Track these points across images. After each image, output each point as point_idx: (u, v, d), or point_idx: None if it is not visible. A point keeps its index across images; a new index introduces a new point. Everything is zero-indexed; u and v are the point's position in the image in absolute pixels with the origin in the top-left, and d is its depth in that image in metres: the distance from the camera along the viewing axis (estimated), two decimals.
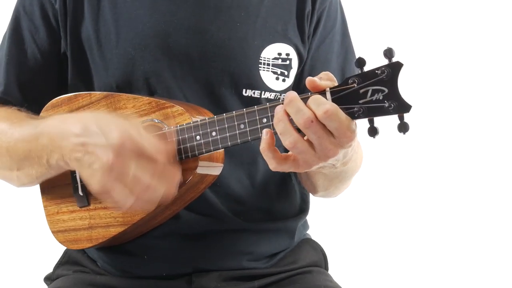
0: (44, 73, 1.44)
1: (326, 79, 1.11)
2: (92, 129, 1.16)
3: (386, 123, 2.57)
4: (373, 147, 2.64)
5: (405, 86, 1.06)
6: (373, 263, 2.71)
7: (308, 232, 1.58)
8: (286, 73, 1.39)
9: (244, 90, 1.37)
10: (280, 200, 1.45)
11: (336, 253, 1.79)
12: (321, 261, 1.53)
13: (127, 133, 1.14)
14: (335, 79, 1.12)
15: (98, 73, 1.39)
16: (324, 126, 1.07)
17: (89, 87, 1.41)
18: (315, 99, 1.08)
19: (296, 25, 1.41)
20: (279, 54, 1.39)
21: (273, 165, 1.13)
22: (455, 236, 2.74)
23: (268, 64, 1.38)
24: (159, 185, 1.15)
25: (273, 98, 1.38)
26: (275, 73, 1.38)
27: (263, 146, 1.13)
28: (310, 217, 1.59)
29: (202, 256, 1.39)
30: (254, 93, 1.37)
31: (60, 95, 1.39)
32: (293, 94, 1.09)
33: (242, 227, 1.40)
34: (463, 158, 2.79)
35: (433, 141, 2.79)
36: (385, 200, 2.78)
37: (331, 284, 1.43)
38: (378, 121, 1.09)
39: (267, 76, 1.38)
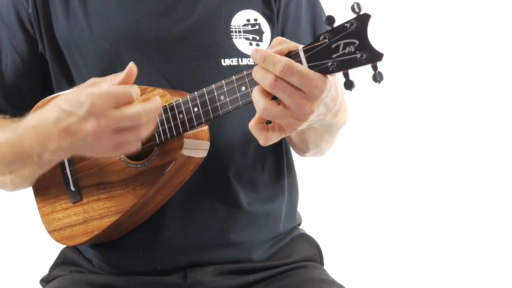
0: (27, 78, 1.47)
1: (277, 45, 1.12)
2: (64, 111, 1.18)
3: (388, 128, 2.57)
4: (368, 142, 2.67)
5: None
6: (368, 258, 2.71)
7: (302, 227, 1.58)
8: (257, 37, 1.42)
9: (222, 60, 1.39)
10: (264, 172, 1.46)
11: (331, 248, 1.79)
12: (316, 256, 1.53)
13: (90, 92, 1.16)
14: (284, 39, 1.13)
15: (79, 72, 1.43)
16: (289, 83, 1.09)
17: (73, 86, 1.43)
18: (269, 60, 1.08)
19: None
20: (248, 20, 1.42)
21: (262, 140, 1.15)
22: (450, 231, 2.74)
23: (239, 31, 1.41)
24: (147, 106, 1.17)
25: (252, 63, 1.40)
26: (247, 39, 1.41)
27: (251, 124, 1.14)
28: (304, 212, 1.59)
29: (197, 248, 1.39)
30: (232, 61, 1.40)
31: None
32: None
33: (231, 214, 1.41)
34: (459, 148, 2.80)
35: (428, 136, 2.80)
36: (379, 196, 2.78)
37: (326, 278, 1.43)
38: (354, 75, 1.12)
39: (240, 43, 1.41)
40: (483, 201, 2.76)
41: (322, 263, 1.55)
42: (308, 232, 1.58)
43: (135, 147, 1.19)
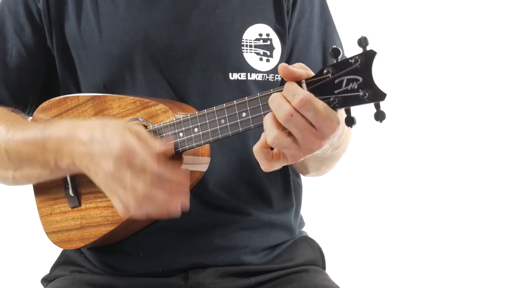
0: (30, 72, 1.46)
1: (299, 68, 1.10)
2: (97, 138, 1.21)
3: (389, 127, 2.59)
4: (370, 147, 2.66)
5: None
6: (370, 262, 2.70)
7: (305, 230, 1.57)
8: (268, 53, 1.40)
9: (230, 74, 1.38)
10: (270, 182, 1.45)
11: (333, 251, 1.79)
12: (318, 259, 1.53)
13: (127, 143, 1.18)
14: (308, 68, 1.11)
15: (86, 73, 1.41)
16: (304, 118, 1.07)
17: (78, 86, 1.43)
18: (289, 90, 1.08)
19: (273, 4, 1.42)
20: (260, 34, 1.40)
21: (265, 166, 1.14)
22: (452, 234, 2.73)
23: (251, 46, 1.39)
24: (157, 193, 1.18)
25: (260, 79, 1.39)
26: (258, 54, 1.39)
27: (256, 148, 1.13)
28: (306, 215, 1.59)
29: (198, 250, 1.39)
30: (240, 75, 1.38)
31: (51, 94, 1.42)
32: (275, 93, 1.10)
33: (235, 219, 1.41)
34: (460, 151, 2.78)
35: (428, 138, 2.79)
36: (382, 199, 2.77)
37: (328, 283, 1.43)
38: (356, 110, 1.09)
39: (251, 58, 1.39)
40: (485, 208, 2.74)
41: (324, 267, 1.54)
42: (310, 235, 1.57)
43: (127, 210, 1.20)
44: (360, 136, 1.50)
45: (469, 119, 2.76)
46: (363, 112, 1.10)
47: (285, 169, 1.48)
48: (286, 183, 1.48)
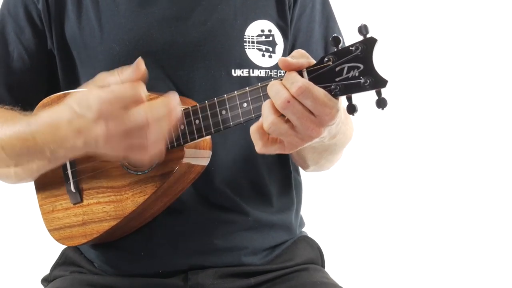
0: (32, 73, 1.46)
1: (299, 57, 1.10)
2: (75, 112, 1.16)
3: (390, 128, 2.59)
4: (369, 147, 2.66)
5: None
6: (369, 260, 2.70)
7: (304, 229, 1.57)
8: (271, 49, 1.40)
9: (233, 71, 1.38)
10: (271, 181, 1.45)
11: (332, 250, 1.78)
12: (318, 258, 1.52)
13: (99, 96, 1.14)
14: (307, 54, 1.12)
15: (86, 72, 1.41)
16: (302, 105, 1.07)
17: (79, 86, 1.42)
18: (288, 78, 1.08)
19: (274, 0, 1.42)
20: (262, 31, 1.40)
21: (259, 147, 1.13)
22: (452, 233, 2.72)
23: (253, 42, 1.39)
24: (156, 110, 1.15)
25: (263, 75, 1.39)
26: (260, 50, 1.39)
27: (253, 128, 1.13)
28: (306, 215, 1.58)
29: (198, 251, 1.39)
30: (243, 72, 1.38)
31: (54, 93, 1.40)
32: (274, 80, 1.11)
33: (236, 220, 1.40)
34: (461, 149, 2.77)
35: (429, 137, 2.78)
36: (381, 198, 2.76)
37: (327, 281, 1.43)
38: (357, 98, 1.09)
39: (253, 54, 1.39)
40: (486, 209, 2.74)
41: (323, 266, 1.54)
42: (309, 234, 1.57)
43: (145, 152, 1.16)
44: (359, 135, 1.50)
45: (472, 110, 2.75)
46: (363, 111, 1.11)
47: (286, 166, 1.48)
48: (287, 180, 1.48)
